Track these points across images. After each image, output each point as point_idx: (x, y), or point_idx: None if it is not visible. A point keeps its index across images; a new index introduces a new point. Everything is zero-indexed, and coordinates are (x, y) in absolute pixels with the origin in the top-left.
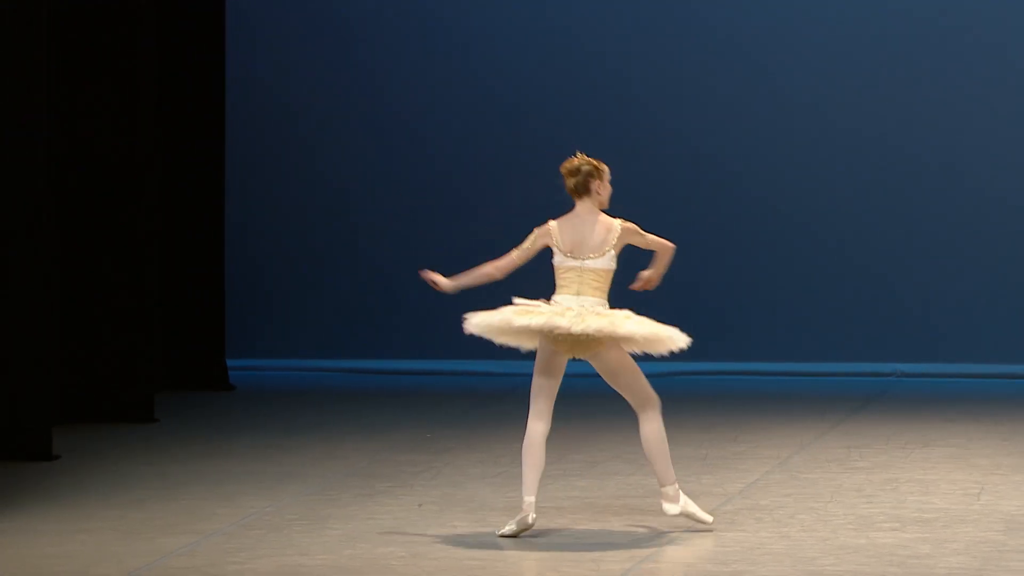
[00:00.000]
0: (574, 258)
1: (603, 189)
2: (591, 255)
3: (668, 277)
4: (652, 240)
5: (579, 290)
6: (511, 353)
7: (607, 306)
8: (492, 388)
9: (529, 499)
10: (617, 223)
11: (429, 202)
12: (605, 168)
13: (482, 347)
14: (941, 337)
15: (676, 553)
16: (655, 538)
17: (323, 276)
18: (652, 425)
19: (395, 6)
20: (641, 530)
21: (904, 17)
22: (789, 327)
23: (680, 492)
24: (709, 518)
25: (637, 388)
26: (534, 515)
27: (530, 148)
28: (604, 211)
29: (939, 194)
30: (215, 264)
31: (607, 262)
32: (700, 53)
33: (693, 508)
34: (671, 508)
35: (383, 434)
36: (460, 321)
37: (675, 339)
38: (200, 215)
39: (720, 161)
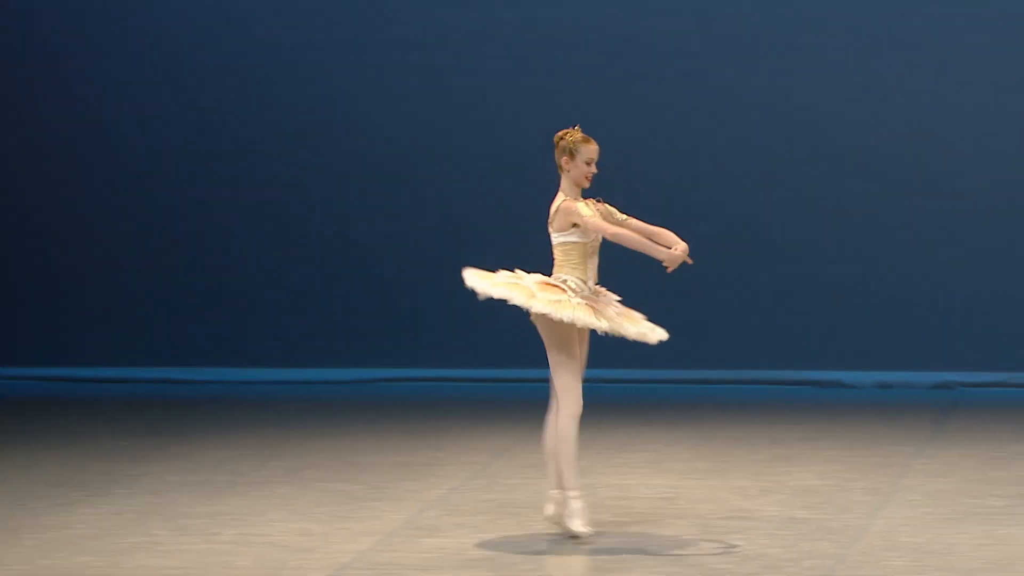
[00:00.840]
0: None
1: (572, 167)
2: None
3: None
4: (588, 224)
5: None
6: (208, 359)
7: (563, 279)
8: (191, 396)
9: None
10: (559, 200)
11: (125, 200)
12: (584, 147)
13: (178, 353)
14: (635, 342)
15: (375, 558)
16: (354, 544)
17: (13, 279)
18: (557, 425)
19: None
20: (345, 536)
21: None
22: (482, 333)
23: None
24: (584, 529)
25: (556, 377)
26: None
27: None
28: (585, 191)
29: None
30: None
31: (554, 238)
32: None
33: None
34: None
35: (78, 443)
36: (156, 326)
37: (567, 315)
38: None
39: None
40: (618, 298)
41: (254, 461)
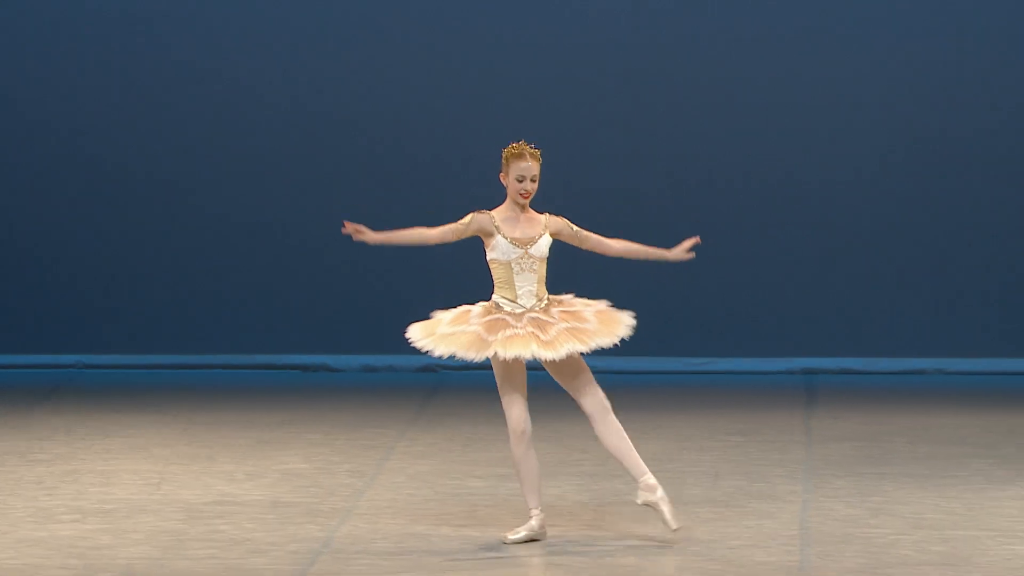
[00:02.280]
0: None
1: (506, 183)
2: None
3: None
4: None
5: None
6: None
7: (495, 302)
8: None
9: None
10: None
11: None
12: (514, 163)
13: None
14: (129, 328)
15: None
16: None
17: None
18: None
19: None
20: None
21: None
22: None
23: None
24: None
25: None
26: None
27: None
28: (522, 206)
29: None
30: None
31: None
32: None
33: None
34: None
35: None
36: None
37: (441, 350)
38: None
39: None
40: (572, 306)
41: None
